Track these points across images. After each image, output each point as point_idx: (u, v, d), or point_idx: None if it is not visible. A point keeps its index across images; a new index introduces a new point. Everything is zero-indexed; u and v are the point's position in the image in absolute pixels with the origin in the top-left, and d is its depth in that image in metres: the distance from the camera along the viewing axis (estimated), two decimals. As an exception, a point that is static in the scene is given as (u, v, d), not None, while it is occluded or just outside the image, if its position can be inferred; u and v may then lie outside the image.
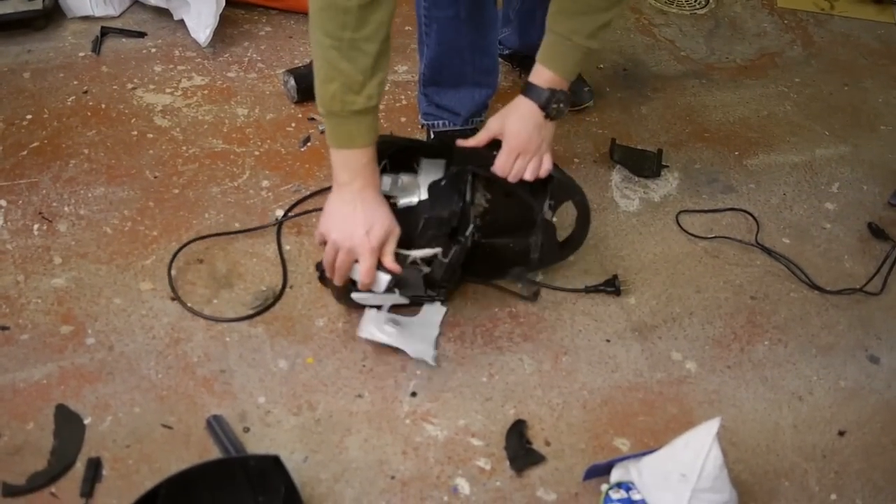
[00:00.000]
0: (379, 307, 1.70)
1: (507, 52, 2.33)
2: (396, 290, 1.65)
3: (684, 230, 1.99)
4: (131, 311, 1.73)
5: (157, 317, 1.72)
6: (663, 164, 2.13)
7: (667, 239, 1.97)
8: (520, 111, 1.66)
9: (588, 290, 1.83)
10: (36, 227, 1.87)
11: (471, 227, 1.67)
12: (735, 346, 1.77)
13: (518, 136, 1.65)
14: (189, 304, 1.73)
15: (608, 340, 1.75)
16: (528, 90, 1.65)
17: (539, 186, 1.71)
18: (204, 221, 1.91)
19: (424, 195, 1.71)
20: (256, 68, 2.34)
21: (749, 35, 2.69)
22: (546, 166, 1.69)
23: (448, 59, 1.94)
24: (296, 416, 1.58)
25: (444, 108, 2.07)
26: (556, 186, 1.71)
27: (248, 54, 2.39)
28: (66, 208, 1.91)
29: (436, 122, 2.11)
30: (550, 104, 1.64)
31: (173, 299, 1.75)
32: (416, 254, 1.64)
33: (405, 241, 1.63)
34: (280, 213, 1.94)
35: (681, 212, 2.03)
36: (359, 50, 1.44)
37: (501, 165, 1.67)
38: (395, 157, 1.75)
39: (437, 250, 1.64)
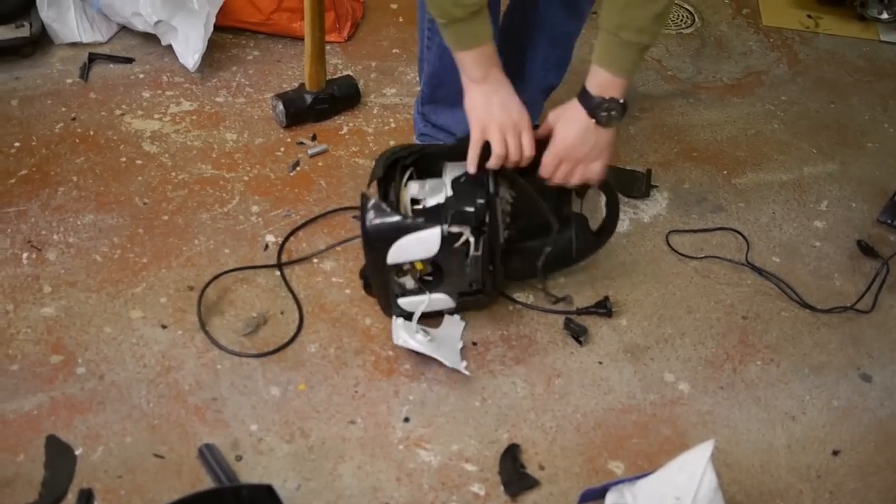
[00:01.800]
0: (409, 316, 1.71)
1: None
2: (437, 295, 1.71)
3: (675, 250, 1.99)
4: (122, 339, 1.72)
5: (148, 345, 1.71)
6: (652, 184, 2.14)
7: (657, 259, 1.98)
8: (568, 114, 1.63)
9: (580, 312, 1.83)
10: (25, 255, 1.86)
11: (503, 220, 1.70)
12: (727, 367, 1.77)
13: (563, 141, 1.63)
14: (179, 332, 1.73)
15: (600, 362, 1.75)
16: (581, 93, 1.61)
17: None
18: (194, 248, 1.90)
19: (451, 193, 1.70)
20: (245, 93, 2.34)
21: (735, 54, 2.70)
22: (595, 175, 1.67)
23: (448, 75, 1.75)
24: (288, 444, 1.57)
25: (441, 127, 2.02)
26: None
27: (237, 79, 2.39)
28: (55, 236, 1.91)
29: (430, 143, 2.06)
30: (600, 111, 1.59)
31: (164, 327, 1.74)
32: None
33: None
34: (271, 238, 1.93)
35: (671, 232, 2.03)
36: None
37: (545, 167, 1.66)
38: (420, 164, 1.76)
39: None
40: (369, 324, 1.78)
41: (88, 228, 1.93)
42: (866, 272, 1.98)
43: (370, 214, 1.61)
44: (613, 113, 1.60)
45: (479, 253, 1.66)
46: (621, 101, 1.59)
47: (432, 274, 1.72)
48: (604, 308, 1.83)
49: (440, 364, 1.70)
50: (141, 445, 1.55)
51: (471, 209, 1.63)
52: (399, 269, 1.69)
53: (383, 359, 1.72)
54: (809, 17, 2.91)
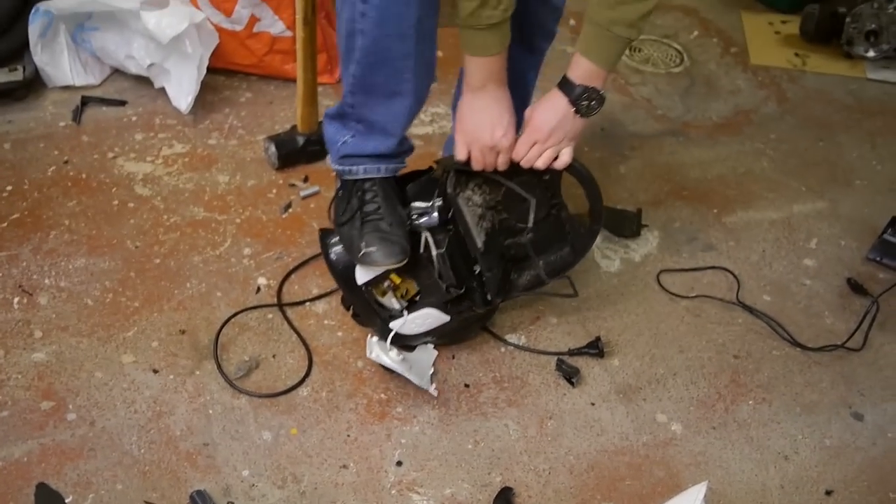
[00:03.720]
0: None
1: None
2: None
3: (665, 290, 2.00)
4: (113, 384, 1.71)
5: (139, 390, 1.71)
6: (643, 223, 2.14)
7: (648, 299, 1.98)
8: (549, 101, 1.64)
9: (572, 352, 1.84)
10: (16, 300, 1.86)
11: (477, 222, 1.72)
12: (720, 407, 1.77)
13: (540, 127, 1.63)
14: (171, 377, 1.73)
15: (593, 403, 1.75)
16: (563, 82, 1.62)
17: (550, 181, 1.74)
18: (186, 291, 1.90)
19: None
20: (237, 135, 2.35)
21: (724, 92, 2.72)
22: (564, 159, 1.67)
23: (390, 47, 1.59)
24: (280, 490, 1.57)
25: (375, 126, 1.73)
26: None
27: (229, 121, 2.40)
28: (46, 280, 1.91)
29: (353, 169, 1.78)
30: (581, 100, 1.61)
31: (156, 372, 1.74)
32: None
33: (411, 263, 1.71)
34: (263, 281, 1.93)
35: (661, 271, 2.04)
36: None
37: (517, 149, 1.66)
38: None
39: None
40: (361, 367, 1.78)
41: (80, 272, 1.93)
42: (856, 310, 1.99)
43: (329, 247, 1.70)
44: (594, 103, 1.62)
45: (442, 250, 1.70)
46: (602, 91, 1.62)
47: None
48: (595, 349, 1.83)
49: (432, 406, 1.70)
50: (132, 492, 1.54)
51: (426, 206, 1.70)
52: (378, 288, 1.72)
53: (375, 402, 1.72)
54: (797, 55, 2.93)
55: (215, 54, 2.42)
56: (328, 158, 1.83)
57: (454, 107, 1.99)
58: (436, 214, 1.71)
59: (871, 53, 2.87)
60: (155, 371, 1.74)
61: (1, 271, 1.91)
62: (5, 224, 2.03)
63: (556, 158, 1.67)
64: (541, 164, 1.66)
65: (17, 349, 1.76)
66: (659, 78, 2.76)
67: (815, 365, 1.86)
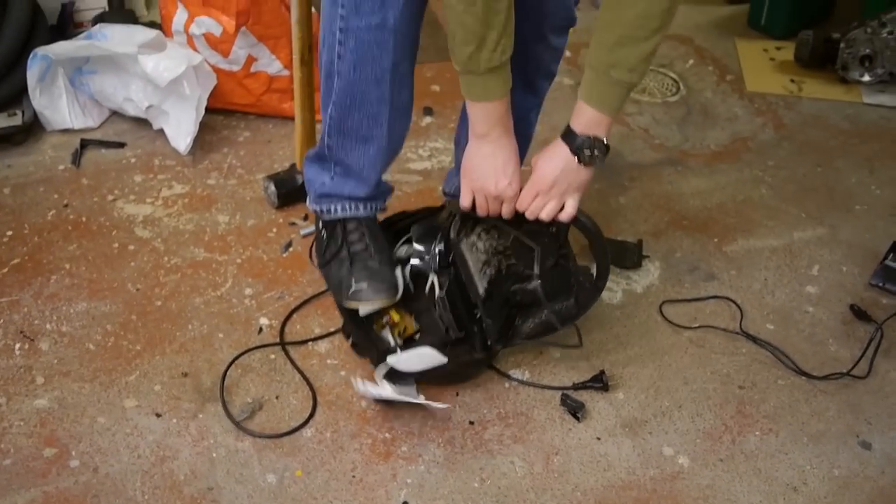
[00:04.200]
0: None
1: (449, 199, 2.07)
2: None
3: (669, 321, 2.00)
4: (116, 429, 1.71)
5: (143, 434, 1.70)
6: (644, 254, 2.14)
7: (652, 330, 1.98)
8: (552, 151, 1.64)
9: (577, 387, 1.83)
10: (17, 346, 1.85)
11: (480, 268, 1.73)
12: (726, 438, 1.76)
13: (543, 177, 1.63)
14: (174, 421, 1.72)
15: (599, 438, 1.74)
16: (566, 132, 1.62)
17: (559, 232, 1.76)
18: (187, 333, 1.90)
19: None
20: (236, 174, 2.36)
21: (721, 120, 2.73)
22: (568, 211, 1.67)
23: (366, 91, 1.59)
24: (286, 533, 1.56)
25: (351, 170, 1.73)
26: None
27: (228, 160, 2.41)
28: (47, 325, 1.90)
29: (330, 208, 1.79)
30: (583, 150, 1.60)
31: (158, 416, 1.73)
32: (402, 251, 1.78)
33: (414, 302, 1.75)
34: (265, 321, 1.93)
35: (664, 302, 2.03)
36: (492, 10, 1.46)
37: (521, 200, 1.67)
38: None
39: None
40: (365, 406, 1.77)
41: (81, 317, 1.93)
42: (860, 337, 1.98)
43: None
44: (597, 152, 1.61)
45: (443, 293, 1.70)
46: (605, 141, 1.61)
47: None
48: (600, 382, 1.83)
49: (437, 445, 1.69)
50: (137, 539, 1.53)
51: (425, 249, 1.72)
52: (378, 322, 1.75)
53: (380, 441, 1.71)
54: (792, 81, 2.94)
55: (213, 94, 2.43)
56: (307, 201, 1.83)
57: (456, 141, 2.00)
58: (436, 258, 1.71)
59: (866, 78, 2.87)
60: (158, 415, 1.74)
61: (2, 317, 1.91)
62: (6, 269, 2.03)
63: (561, 209, 1.67)
64: (545, 216, 1.66)
65: (18, 396, 1.75)
66: (656, 107, 2.77)
67: (821, 394, 1.85)
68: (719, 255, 2.19)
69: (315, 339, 1.90)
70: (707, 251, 2.20)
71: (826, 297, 2.09)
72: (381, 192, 1.80)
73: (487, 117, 1.60)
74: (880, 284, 2.10)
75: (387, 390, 1.70)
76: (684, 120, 2.72)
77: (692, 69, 2.97)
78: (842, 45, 2.87)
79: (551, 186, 1.64)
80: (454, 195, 2.01)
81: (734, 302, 2.05)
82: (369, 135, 1.66)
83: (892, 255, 2.11)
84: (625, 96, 1.58)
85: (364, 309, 1.72)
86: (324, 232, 1.81)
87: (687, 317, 2.01)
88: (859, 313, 2.02)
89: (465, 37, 1.49)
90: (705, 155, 2.56)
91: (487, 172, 1.64)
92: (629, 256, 2.13)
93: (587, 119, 1.59)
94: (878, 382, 1.88)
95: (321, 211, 1.79)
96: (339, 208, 1.77)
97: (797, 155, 2.58)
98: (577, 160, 1.61)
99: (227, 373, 1.81)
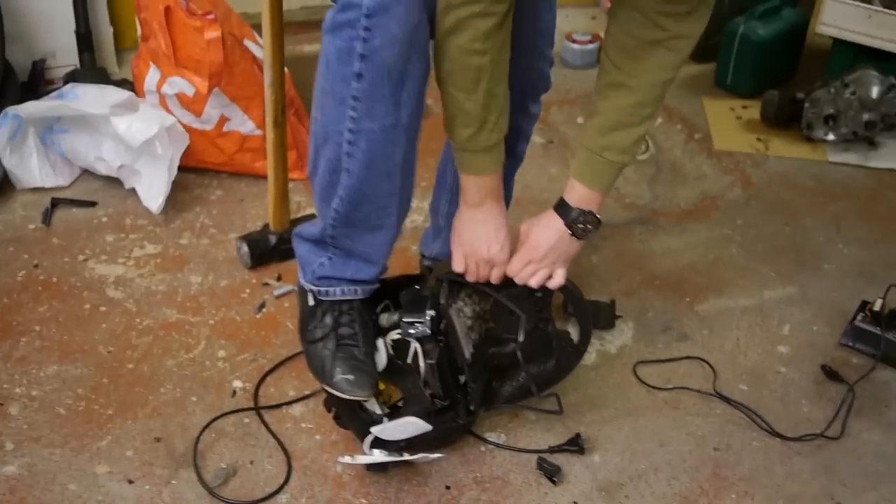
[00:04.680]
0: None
1: (427, 262, 2.12)
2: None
3: (643, 381, 2.00)
4: (87, 497, 1.68)
5: (115, 502, 1.67)
6: (617, 314, 2.15)
7: (626, 392, 1.98)
8: (545, 222, 1.71)
9: (552, 450, 1.82)
10: (-13, 411, 1.83)
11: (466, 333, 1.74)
12: (703, 502, 1.76)
13: (536, 247, 1.70)
14: (147, 487, 1.69)
15: (576, 502, 1.74)
16: (558, 205, 1.70)
17: (543, 297, 1.79)
18: (160, 397, 1.88)
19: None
20: (209, 234, 2.35)
21: (690, 179, 2.76)
22: (557, 280, 1.73)
23: (375, 185, 1.58)
24: None
25: (355, 253, 1.70)
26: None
27: (200, 219, 2.40)
28: (17, 389, 1.88)
29: (330, 290, 1.73)
30: (577, 223, 1.68)
31: (131, 482, 1.70)
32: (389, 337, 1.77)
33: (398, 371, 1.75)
34: (239, 384, 1.91)
35: (638, 362, 2.04)
36: (493, 96, 1.52)
37: (512, 267, 1.72)
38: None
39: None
40: (340, 471, 1.75)
41: (52, 380, 1.90)
42: (832, 397, 1.99)
43: None
44: (589, 226, 1.70)
45: (433, 361, 1.70)
46: (597, 215, 1.70)
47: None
48: (576, 445, 1.82)
49: (414, 511, 1.68)
50: None
51: (420, 319, 1.70)
52: None
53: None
54: (759, 139, 2.99)
55: (185, 153, 2.43)
56: (299, 275, 1.77)
57: (433, 208, 2.01)
58: (429, 327, 1.71)
59: (830, 137, 2.92)
60: (130, 481, 1.71)
61: (-29, 381, 1.89)
62: (-25, 332, 2.00)
63: (549, 277, 1.72)
64: (534, 283, 1.72)
65: (-13, 463, 1.73)
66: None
67: (796, 455, 1.86)
68: (691, 314, 2.21)
69: (290, 403, 1.89)
70: (679, 311, 2.22)
71: (798, 357, 2.11)
72: (382, 271, 1.77)
73: (480, 189, 1.65)
74: (850, 344, 2.12)
75: (378, 456, 1.68)
76: (654, 178, 2.75)
77: (661, 127, 3.01)
78: (806, 104, 2.93)
79: (544, 256, 1.70)
80: (432, 258, 2.02)
81: (707, 362, 2.06)
82: (379, 224, 1.65)
83: (861, 314, 2.13)
84: (616, 175, 1.69)
85: (343, 397, 1.70)
86: (314, 307, 1.75)
87: (661, 377, 2.02)
88: (830, 373, 2.04)
89: (465, 120, 1.55)
90: (675, 213, 2.59)
91: (480, 239, 1.68)
92: (602, 317, 2.14)
93: (579, 195, 1.68)
94: (851, 443, 1.90)
95: (319, 292, 1.73)
96: (338, 291, 1.72)
97: (766, 213, 2.62)
98: (570, 233, 1.69)
99: (201, 437, 1.79)
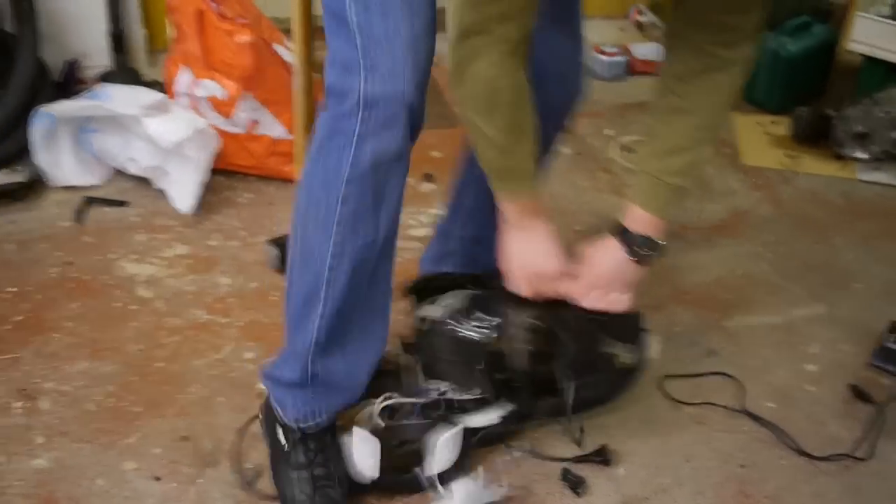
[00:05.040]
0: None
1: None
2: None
3: (669, 396, 2.00)
4: (115, 492, 1.69)
5: (141, 498, 1.68)
6: (644, 328, 2.15)
7: (652, 406, 1.98)
8: (607, 250, 1.71)
9: (578, 459, 1.82)
10: (18, 404, 1.84)
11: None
12: (727, 518, 1.75)
13: (599, 274, 1.71)
14: (173, 485, 1.70)
15: (600, 515, 1.74)
16: (620, 231, 1.69)
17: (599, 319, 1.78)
18: (188, 396, 1.89)
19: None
20: (238, 236, 2.36)
21: (718, 194, 2.76)
22: (622, 305, 1.74)
23: (357, 305, 1.55)
24: None
25: (334, 387, 1.63)
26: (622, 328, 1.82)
27: (230, 222, 2.42)
28: (47, 384, 1.89)
29: (317, 423, 1.64)
30: (638, 249, 1.68)
31: (158, 479, 1.71)
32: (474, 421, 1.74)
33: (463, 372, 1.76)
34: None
35: (665, 377, 2.04)
36: (514, 120, 1.52)
37: (577, 293, 1.73)
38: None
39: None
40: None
41: (82, 376, 1.92)
42: (860, 417, 1.98)
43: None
44: (652, 252, 1.69)
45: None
46: (660, 241, 1.69)
47: None
48: (601, 456, 1.82)
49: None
50: None
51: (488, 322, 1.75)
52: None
53: (382, 510, 1.70)
54: (788, 156, 2.99)
55: (216, 155, 2.45)
56: (281, 417, 1.65)
57: (445, 230, 2.02)
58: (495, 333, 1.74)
59: (861, 155, 2.91)
60: (157, 479, 1.72)
61: (3, 375, 1.90)
62: (9, 326, 2.02)
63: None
64: (600, 306, 1.74)
65: (18, 455, 1.74)
66: (654, 179, 2.79)
67: (822, 475, 1.85)
68: (719, 330, 2.20)
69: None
70: (707, 326, 2.21)
71: (826, 376, 2.10)
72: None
73: (519, 212, 1.65)
74: (880, 365, 2.11)
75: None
76: (683, 193, 2.74)
77: (690, 142, 3.00)
78: (836, 121, 2.92)
79: (608, 283, 1.72)
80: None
81: (735, 378, 2.05)
82: (364, 345, 1.62)
83: (891, 336, 2.12)
84: (676, 200, 1.67)
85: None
86: (284, 437, 1.67)
87: (688, 392, 2.01)
88: (859, 393, 2.03)
89: (488, 145, 1.56)
90: (704, 229, 2.59)
91: (530, 259, 1.69)
92: (629, 331, 2.13)
93: (639, 219, 1.67)
94: (879, 465, 1.88)
95: (303, 427, 1.64)
96: (325, 420, 1.65)
97: (795, 230, 2.61)
98: (632, 259, 1.69)
99: (227, 438, 1.80)
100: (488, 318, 1.80)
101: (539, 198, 1.67)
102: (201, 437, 1.81)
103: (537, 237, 1.68)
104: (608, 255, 1.70)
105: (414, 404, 1.72)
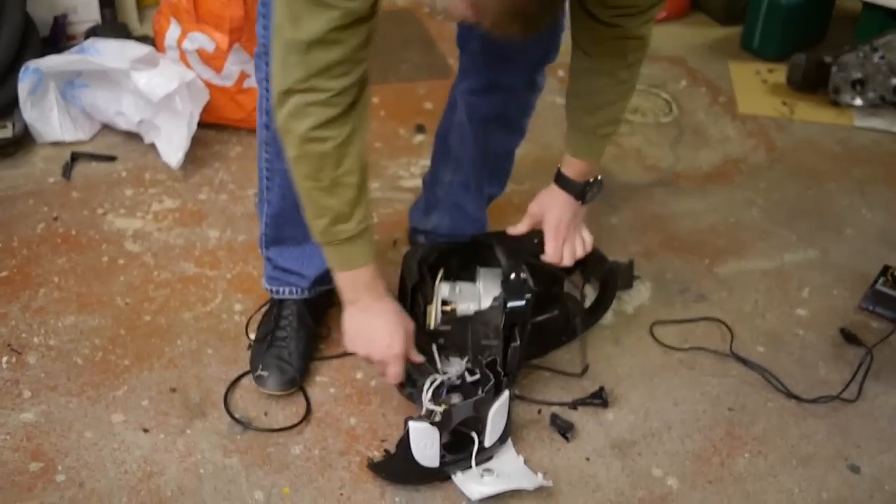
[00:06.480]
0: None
1: (420, 237, 2.12)
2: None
3: (659, 342, 1.99)
4: (102, 444, 1.69)
5: (129, 450, 1.68)
6: (635, 274, 2.14)
7: (642, 351, 1.97)
8: (557, 201, 1.79)
9: (576, 403, 1.83)
10: (5, 359, 1.84)
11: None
12: (715, 460, 1.75)
13: (559, 227, 1.79)
14: (161, 436, 1.71)
15: (588, 458, 1.74)
16: (564, 183, 1.77)
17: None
18: (176, 349, 1.89)
19: (485, 303, 1.77)
20: (227, 189, 2.35)
21: (713, 142, 2.74)
22: (588, 240, 1.84)
23: (293, 213, 1.65)
24: (273, 551, 1.54)
25: (290, 271, 1.85)
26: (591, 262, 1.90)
27: (219, 175, 2.40)
28: (35, 339, 1.89)
29: (280, 289, 1.87)
30: (586, 193, 1.77)
31: (146, 431, 1.72)
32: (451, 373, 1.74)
33: (459, 348, 1.77)
34: (254, 337, 1.92)
35: (655, 323, 2.03)
36: (341, 185, 1.47)
37: (552, 254, 1.80)
38: (451, 264, 1.87)
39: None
40: (353, 424, 1.76)
41: (70, 330, 1.92)
42: (850, 360, 1.98)
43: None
44: (596, 190, 1.80)
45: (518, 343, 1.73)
46: (600, 178, 1.79)
47: None
48: (599, 399, 1.82)
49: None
50: (121, 556, 1.52)
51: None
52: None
53: (369, 459, 1.70)
54: (784, 104, 2.96)
55: (205, 109, 2.43)
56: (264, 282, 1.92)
57: (431, 178, 2.05)
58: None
59: (857, 102, 2.89)
60: (145, 430, 1.72)
61: (-10, 330, 1.90)
62: (-6, 282, 2.02)
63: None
64: (579, 253, 1.82)
65: (5, 409, 1.74)
66: (648, 128, 2.77)
67: (811, 417, 1.85)
68: (710, 276, 2.19)
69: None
70: (698, 272, 2.20)
71: (816, 320, 2.09)
72: (326, 278, 1.76)
73: (353, 284, 1.62)
74: (870, 308, 2.10)
75: (501, 485, 1.63)
76: (676, 141, 2.72)
77: (685, 90, 2.98)
78: (834, 68, 2.89)
79: (568, 229, 1.79)
80: (426, 232, 2.08)
81: (724, 324, 2.05)
82: (305, 238, 1.68)
83: (882, 279, 2.11)
84: (607, 144, 1.77)
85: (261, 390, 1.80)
86: (266, 308, 1.94)
87: (678, 338, 2.01)
88: (849, 336, 2.02)
89: (317, 211, 1.51)
90: (697, 176, 2.57)
91: (360, 340, 1.65)
92: (621, 277, 2.12)
93: (580, 168, 1.76)
94: (867, 406, 1.88)
95: (270, 290, 1.90)
96: (285, 290, 1.88)
97: (789, 177, 2.59)
98: (580, 203, 1.78)
99: (215, 388, 1.80)
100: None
101: (375, 272, 1.61)
102: (189, 388, 1.81)
103: (377, 313, 1.63)
104: (561, 206, 1.78)
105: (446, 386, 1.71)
